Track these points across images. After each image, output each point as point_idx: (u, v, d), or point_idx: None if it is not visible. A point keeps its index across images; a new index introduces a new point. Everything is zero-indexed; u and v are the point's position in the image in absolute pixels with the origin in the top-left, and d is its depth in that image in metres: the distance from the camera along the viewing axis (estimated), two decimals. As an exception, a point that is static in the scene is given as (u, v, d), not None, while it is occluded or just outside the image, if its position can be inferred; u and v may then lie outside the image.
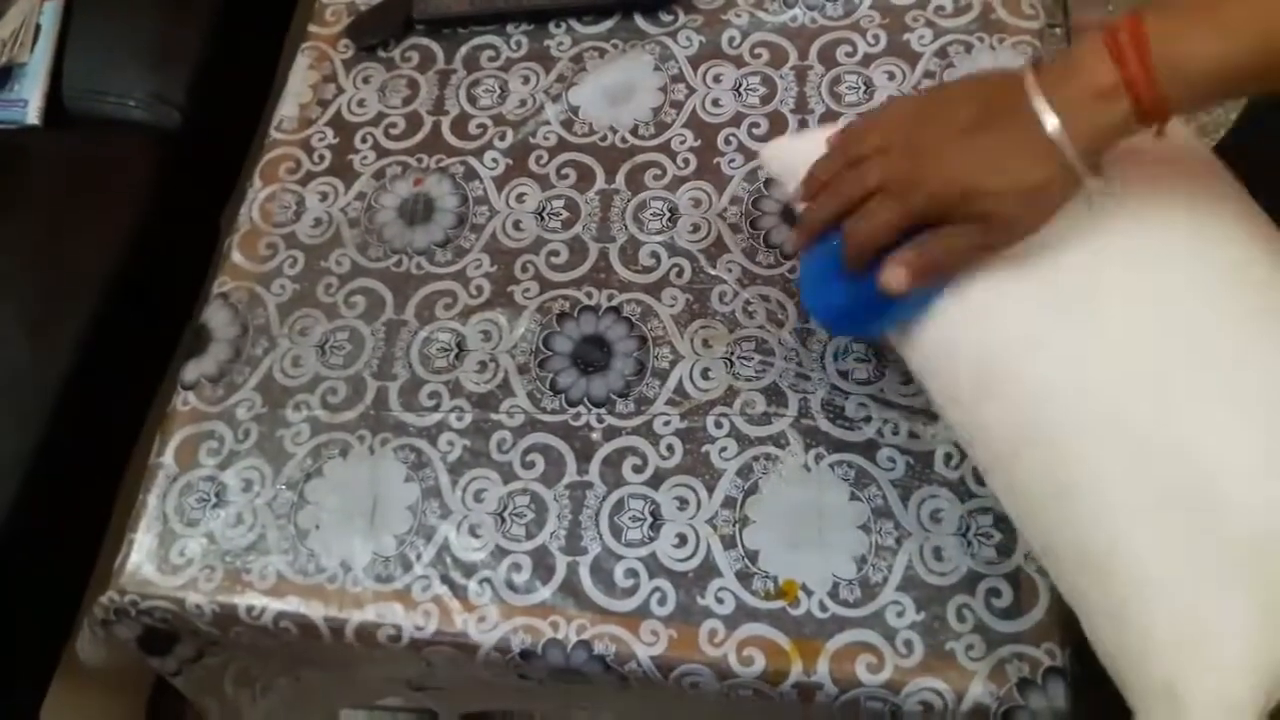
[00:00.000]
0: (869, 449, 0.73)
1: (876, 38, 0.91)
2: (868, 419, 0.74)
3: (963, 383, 0.63)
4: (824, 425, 0.74)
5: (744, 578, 0.70)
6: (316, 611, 0.73)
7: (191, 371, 0.83)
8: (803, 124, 0.87)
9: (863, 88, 0.88)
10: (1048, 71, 0.55)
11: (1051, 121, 0.54)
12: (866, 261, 0.60)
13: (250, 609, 0.74)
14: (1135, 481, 0.56)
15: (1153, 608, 0.55)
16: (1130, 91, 0.52)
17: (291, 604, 0.73)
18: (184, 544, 0.76)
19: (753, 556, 0.71)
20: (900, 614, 0.68)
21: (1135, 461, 0.56)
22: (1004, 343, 0.61)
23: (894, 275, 0.59)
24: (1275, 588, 0.54)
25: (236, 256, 0.88)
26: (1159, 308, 0.59)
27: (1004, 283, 0.61)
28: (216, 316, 0.85)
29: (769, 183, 0.84)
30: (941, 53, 0.89)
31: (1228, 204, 0.63)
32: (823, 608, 0.69)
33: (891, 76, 0.88)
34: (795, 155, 0.72)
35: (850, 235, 0.61)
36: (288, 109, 0.95)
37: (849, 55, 0.90)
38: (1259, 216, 0.63)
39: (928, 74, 0.88)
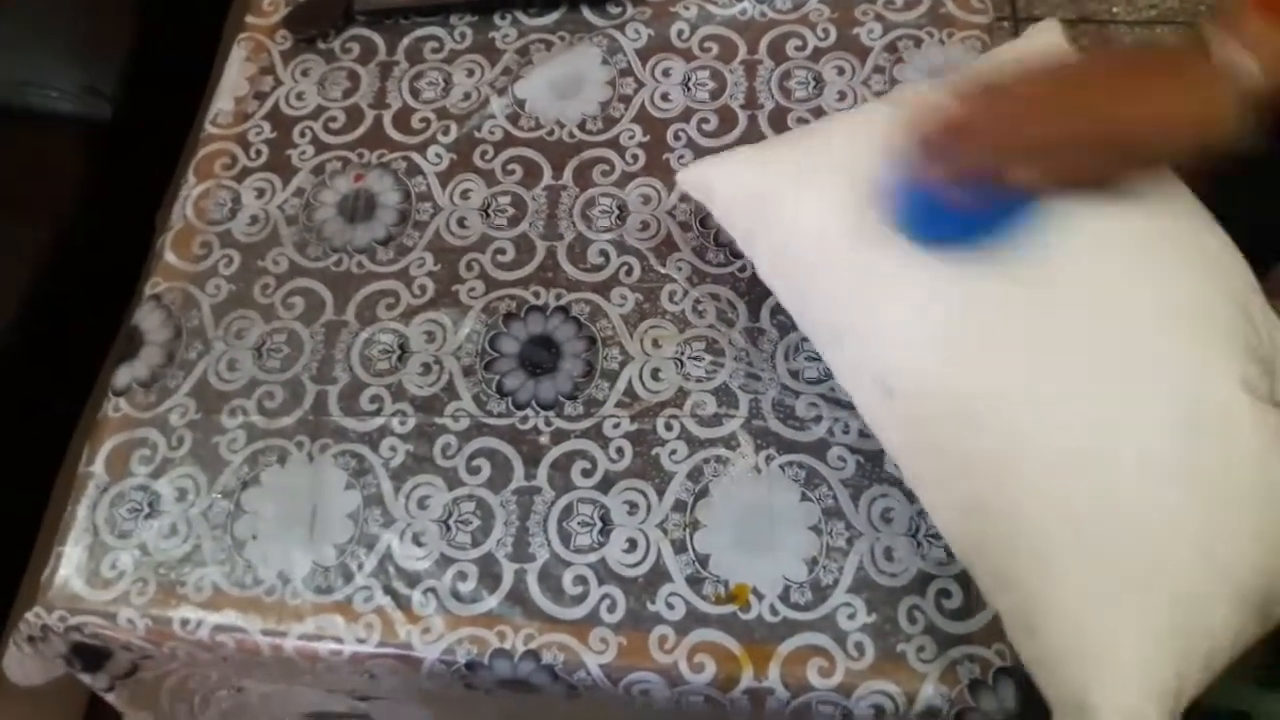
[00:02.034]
0: (820, 449, 0.73)
1: (826, 31, 0.90)
2: (818, 418, 0.73)
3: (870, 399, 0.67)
4: (775, 426, 0.73)
5: (695, 582, 0.69)
6: (254, 624, 0.70)
7: (123, 376, 0.80)
8: (752, 120, 0.86)
9: (812, 83, 0.87)
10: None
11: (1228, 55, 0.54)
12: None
13: (185, 622, 0.71)
14: (1046, 502, 0.58)
15: (1060, 623, 0.57)
16: None
17: (228, 617, 0.71)
18: (115, 556, 0.73)
19: (703, 560, 0.70)
20: (851, 616, 0.67)
21: (1045, 482, 0.58)
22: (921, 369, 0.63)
23: (1025, 172, 0.58)
24: (1172, 606, 0.56)
25: (169, 256, 0.85)
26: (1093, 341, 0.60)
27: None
28: (149, 319, 0.82)
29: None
30: (891, 47, 0.88)
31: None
32: (774, 611, 0.68)
33: (841, 71, 0.87)
34: (712, 180, 0.75)
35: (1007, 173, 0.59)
36: (223, 102, 0.92)
37: (799, 49, 0.89)
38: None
39: (877, 69, 0.87)
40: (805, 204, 0.69)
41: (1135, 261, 0.62)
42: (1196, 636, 0.56)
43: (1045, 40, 0.73)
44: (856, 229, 0.66)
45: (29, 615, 0.73)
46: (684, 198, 0.83)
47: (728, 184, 0.74)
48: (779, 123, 0.85)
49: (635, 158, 0.86)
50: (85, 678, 0.78)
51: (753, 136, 0.85)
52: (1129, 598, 0.56)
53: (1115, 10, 1.57)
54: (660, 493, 0.72)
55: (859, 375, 0.68)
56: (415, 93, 0.91)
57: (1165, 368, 0.59)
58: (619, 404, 0.75)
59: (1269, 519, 0.57)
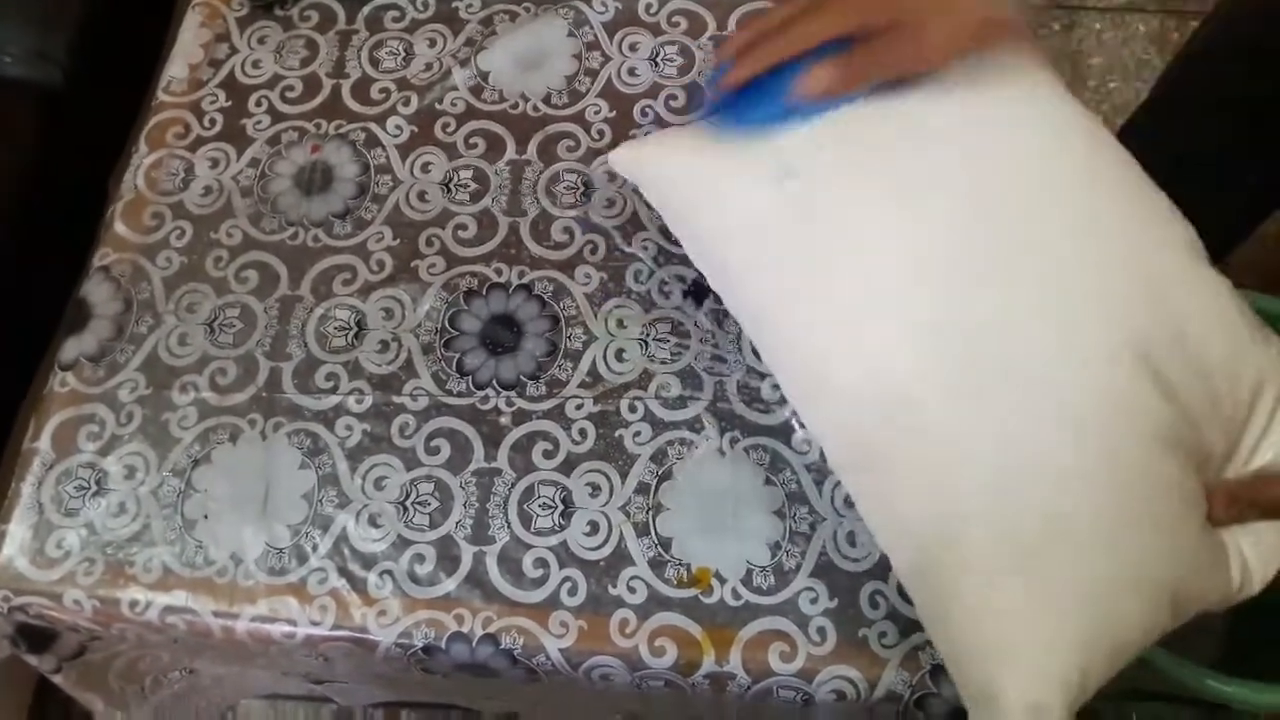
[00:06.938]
0: (784, 432, 0.72)
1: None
2: (783, 401, 0.73)
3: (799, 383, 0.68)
4: (739, 409, 0.73)
5: (657, 565, 0.68)
6: (205, 606, 0.69)
7: (70, 350, 0.77)
8: (721, 96, 0.84)
9: (782, 60, 0.86)
10: None
11: None
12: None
13: (134, 604, 0.69)
14: (947, 493, 0.58)
15: (963, 613, 0.57)
16: None
17: (178, 598, 0.69)
18: (61, 535, 0.71)
19: (666, 544, 0.69)
20: (814, 601, 0.67)
21: (945, 473, 0.58)
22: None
23: (816, 79, 0.62)
24: (1075, 595, 0.56)
25: (119, 227, 0.82)
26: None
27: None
28: (97, 291, 0.79)
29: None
30: (862, 25, 0.87)
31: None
32: (736, 595, 0.67)
33: (812, 49, 0.86)
34: (640, 161, 0.74)
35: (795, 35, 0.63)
36: (176, 69, 0.89)
37: (769, 26, 0.88)
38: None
39: (848, 47, 0.86)
40: (722, 187, 0.68)
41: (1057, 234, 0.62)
42: (1101, 625, 0.55)
43: None
44: (764, 216, 0.66)
45: (-30, 596, 0.71)
46: (651, 175, 0.81)
47: (653, 165, 0.73)
48: (748, 100, 0.84)
49: (601, 133, 0.84)
50: (31, 659, 0.76)
51: (721, 114, 0.83)
52: (1029, 588, 0.56)
53: (1086, -6, 1.57)
54: (623, 475, 0.71)
55: (777, 361, 0.69)
56: (375, 62, 0.88)
57: (1069, 351, 0.58)
58: (582, 385, 0.74)
59: (1172, 509, 0.57)
